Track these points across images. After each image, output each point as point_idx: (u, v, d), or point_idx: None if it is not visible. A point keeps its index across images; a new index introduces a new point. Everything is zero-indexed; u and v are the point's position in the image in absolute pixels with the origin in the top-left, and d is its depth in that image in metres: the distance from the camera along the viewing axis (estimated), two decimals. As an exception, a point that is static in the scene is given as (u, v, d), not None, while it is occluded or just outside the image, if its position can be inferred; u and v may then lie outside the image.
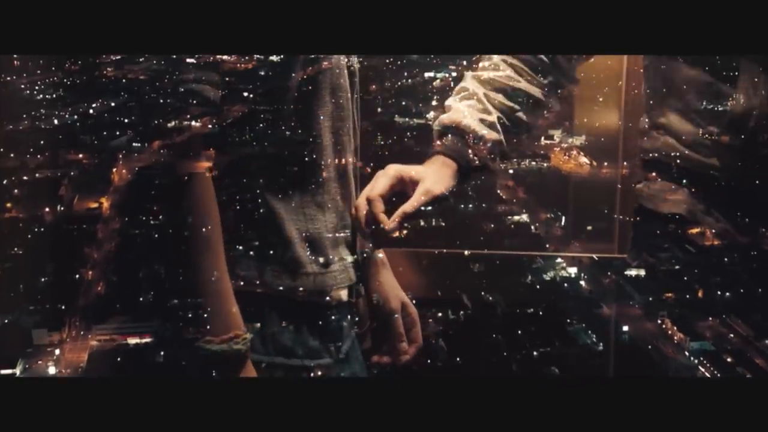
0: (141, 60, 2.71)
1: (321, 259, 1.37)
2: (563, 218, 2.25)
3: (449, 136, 1.55)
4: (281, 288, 1.34)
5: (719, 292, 1.74)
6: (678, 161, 1.64)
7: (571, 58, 1.65)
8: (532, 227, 2.29)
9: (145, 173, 2.20)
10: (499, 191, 2.43)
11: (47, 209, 2.40)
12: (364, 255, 1.54)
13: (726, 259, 1.69)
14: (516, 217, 2.32)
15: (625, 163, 2.37)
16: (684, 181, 1.66)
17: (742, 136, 1.55)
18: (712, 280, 1.75)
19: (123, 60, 2.89)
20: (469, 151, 1.56)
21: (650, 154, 1.69)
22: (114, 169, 2.37)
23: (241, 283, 1.33)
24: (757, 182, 1.58)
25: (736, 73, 1.54)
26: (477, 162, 1.55)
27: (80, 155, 2.60)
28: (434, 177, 1.48)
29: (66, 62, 3.09)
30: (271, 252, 1.35)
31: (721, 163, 1.59)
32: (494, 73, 1.63)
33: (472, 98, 1.60)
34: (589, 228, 2.27)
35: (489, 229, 2.38)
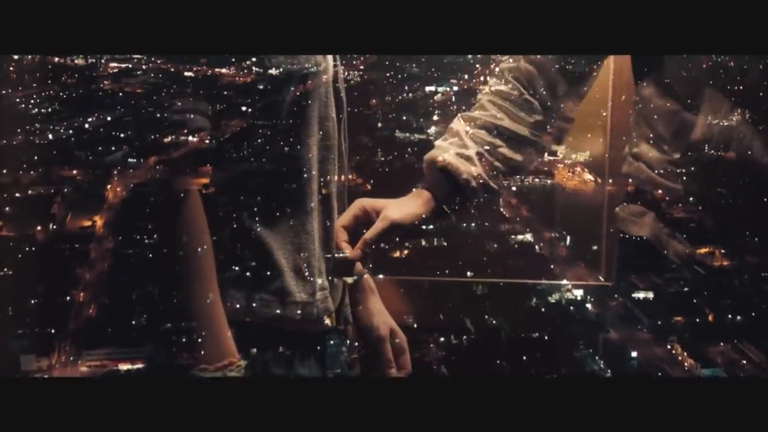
0: (138, 73, 2.66)
1: (309, 288, 1.36)
2: (568, 238, 2.19)
3: (428, 170, 1.63)
4: (270, 317, 1.32)
5: (710, 316, 1.79)
6: (648, 187, 1.71)
7: (556, 97, 1.72)
8: (537, 247, 2.24)
9: (140, 190, 2.14)
10: (502, 209, 2.38)
11: (39, 228, 2.34)
12: (354, 281, 1.53)
13: (703, 283, 1.74)
14: (520, 237, 2.27)
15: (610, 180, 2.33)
16: (653, 205, 1.73)
17: (702, 162, 1.64)
18: (698, 304, 1.82)
19: (120, 73, 2.83)
20: (446, 183, 1.63)
21: (628, 179, 1.77)
22: (108, 186, 2.31)
23: (231, 309, 1.30)
24: (720, 207, 1.65)
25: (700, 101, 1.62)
26: (455, 193, 1.62)
27: (74, 171, 2.54)
28: (398, 206, 1.55)
29: (62, 75, 3.04)
30: (260, 280, 1.34)
31: (685, 189, 1.65)
32: (479, 112, 1.71)
33: (455, 136, 1.68)
34: (594, 248, 2.22)
35: (492, 248, 2.33)
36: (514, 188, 2.39)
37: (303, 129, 1.34)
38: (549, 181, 2.43)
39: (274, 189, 1.32)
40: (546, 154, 1.82)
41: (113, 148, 2.77)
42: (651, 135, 1.70)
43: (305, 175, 1.34)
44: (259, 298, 1.30)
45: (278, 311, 1.32)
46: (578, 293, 2.19)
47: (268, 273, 1.31)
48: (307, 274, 1.34)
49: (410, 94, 2.92)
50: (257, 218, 1.33)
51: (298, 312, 1.34)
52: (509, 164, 1.69)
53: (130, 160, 2.61)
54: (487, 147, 1.66)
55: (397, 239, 1.58)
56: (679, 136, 1.65)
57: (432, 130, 2.73)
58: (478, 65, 2.84)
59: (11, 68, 3.06)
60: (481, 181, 1.64)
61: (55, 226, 2.31)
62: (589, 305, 2.13)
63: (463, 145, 1.67)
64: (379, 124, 2.76)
